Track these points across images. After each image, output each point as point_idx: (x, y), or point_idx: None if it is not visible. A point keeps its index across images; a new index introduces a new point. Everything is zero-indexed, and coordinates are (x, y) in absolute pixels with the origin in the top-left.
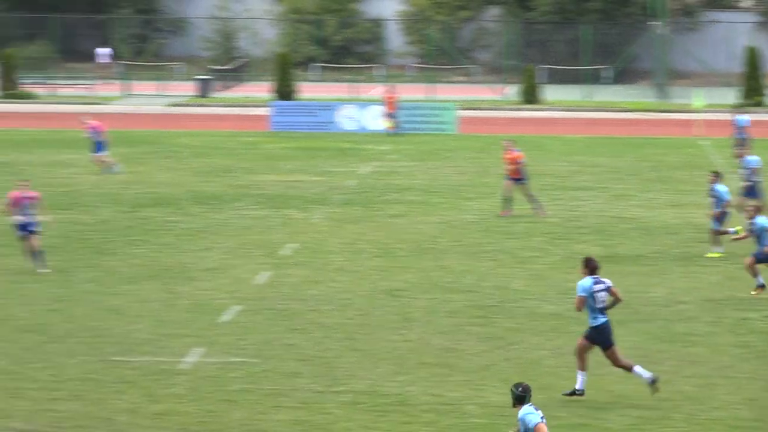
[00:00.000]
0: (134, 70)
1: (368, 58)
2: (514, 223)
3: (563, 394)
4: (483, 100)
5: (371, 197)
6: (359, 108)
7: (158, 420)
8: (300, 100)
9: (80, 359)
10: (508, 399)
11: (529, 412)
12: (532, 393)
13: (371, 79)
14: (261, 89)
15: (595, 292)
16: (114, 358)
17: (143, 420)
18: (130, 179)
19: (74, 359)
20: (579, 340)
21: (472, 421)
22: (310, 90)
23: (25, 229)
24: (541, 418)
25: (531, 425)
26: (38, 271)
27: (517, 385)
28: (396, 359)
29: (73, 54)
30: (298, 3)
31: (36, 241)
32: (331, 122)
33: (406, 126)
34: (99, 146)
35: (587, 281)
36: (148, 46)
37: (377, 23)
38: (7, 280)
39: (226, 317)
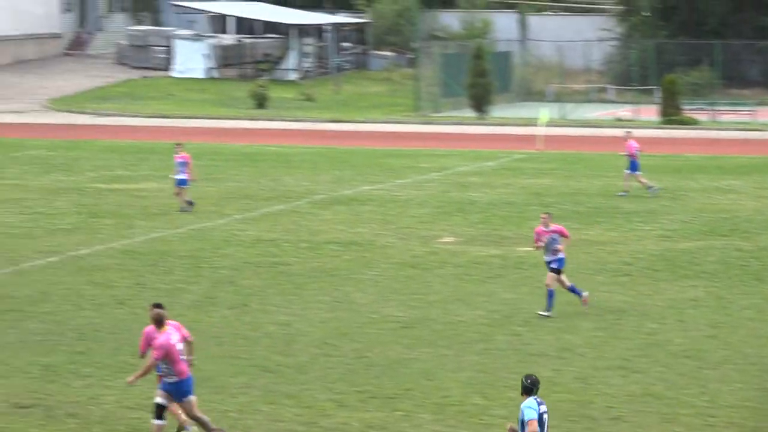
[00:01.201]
0: None
1: None
2: None
3: None
4: None
5: None
6: None
7: None
8: None
9: (736, 386)
10: None
11: (529, 405)
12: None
13: None
14: None
15: None
16: None
17: None
18: None
19: (730, 386)
20: None
21: None
22: None
23: (550, 266)
24: (540, 414)
25: (525, 419)
26: (539, 312)
27: (527, 377)
28: None
29: (735, 80)
30: None
31: (556, 282)
32: None
33: None
34: (633, 165)
35: None
36: None
37: None
38: (665, 306)
39: None
